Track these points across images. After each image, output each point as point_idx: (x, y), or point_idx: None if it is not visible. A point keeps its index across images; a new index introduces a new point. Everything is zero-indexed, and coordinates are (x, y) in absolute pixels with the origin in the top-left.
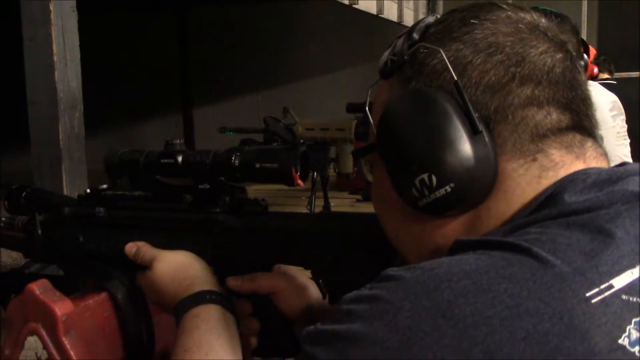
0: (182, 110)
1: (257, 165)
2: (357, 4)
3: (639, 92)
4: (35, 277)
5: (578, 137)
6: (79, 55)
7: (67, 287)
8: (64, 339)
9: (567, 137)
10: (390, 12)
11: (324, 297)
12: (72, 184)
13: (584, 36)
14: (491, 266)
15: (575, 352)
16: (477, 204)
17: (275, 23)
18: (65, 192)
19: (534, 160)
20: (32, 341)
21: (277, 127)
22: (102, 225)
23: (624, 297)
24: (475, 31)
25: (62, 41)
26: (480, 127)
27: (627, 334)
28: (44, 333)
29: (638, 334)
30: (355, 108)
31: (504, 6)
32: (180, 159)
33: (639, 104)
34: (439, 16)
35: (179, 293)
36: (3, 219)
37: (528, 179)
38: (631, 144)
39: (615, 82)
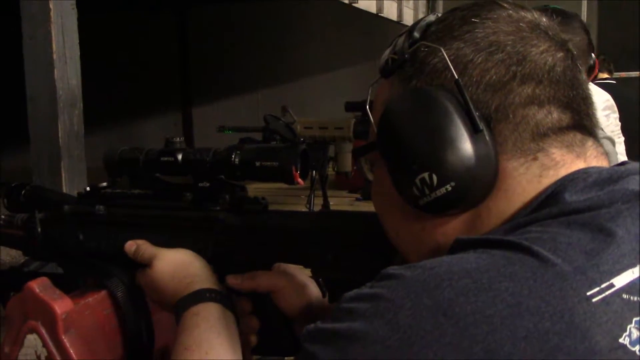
0: (181, 109)
1: (257, 164)
2: (357, 3)
3: (639, 91)
4: (34, 275)
5: (579, 136)
6: (79, 53)
7: (67, 285)
8: (63, 337)
9: (567, 136)
10: (390, 11)
11: (323, 296)
12: (72, 181)
13: None
14: (492, 265)
15: (576, 350)
16: (477, 202)
17: (275, 22)
18: (65, 190)
19: (535, 159)
20: (31, 339)
21: (277, 125)
22: (101, 223)
23: (624, 296)
24: (476, 30)
25: (62, 39)
26: (481, 126)
27: (627, 333)
28: (43, 331)
29: (638, 333)
30: (354, 107)
31: (505, 5)
32: (180, 157)
33: (638, 103)
34: (439, 15)
35: (179, 291)
36: (2, 216)
37: (529, 177)
38: (631, 144)
39: (614, 82)
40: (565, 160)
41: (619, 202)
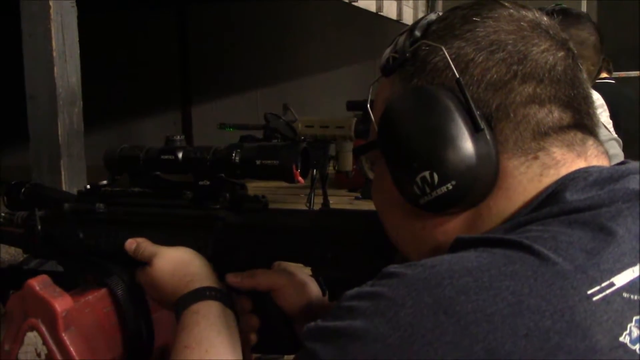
0: (181, 108)
1: (258, 162)
2: (357, 2)
3: (639, 91)
4: (33, 273)
5: (579, 135)
6: (79, 52)
7: (67, 283)
8: (63, 334)
9: (568, 135)
10: (390, 10)
11: (323, 294)
12: (71, 180)
13: None
14: (493, 263)
15: (577, 349)
16: (478, 201)
17: (275, 21)
18: (64, 188)
19: (536, 158)
20: (31, 337)
21: (278, 124)
22: (101, 221)
23: (625, 295)
24: (477, 29)
25: (62, 37)
26: (482, 124)
27: (628, 331)
28: (43, 329)
29: (639, 332)
30: (355, 106)
31: (506, 4)
32: (180, 155)
33: (638, 103)
34: (440, 14)
35: (179, 289)
36: (2, 214)
37: (529, 176)
38: (631, 143)
39: (613, 82)
40: (566, 160)
41: (619, 201)
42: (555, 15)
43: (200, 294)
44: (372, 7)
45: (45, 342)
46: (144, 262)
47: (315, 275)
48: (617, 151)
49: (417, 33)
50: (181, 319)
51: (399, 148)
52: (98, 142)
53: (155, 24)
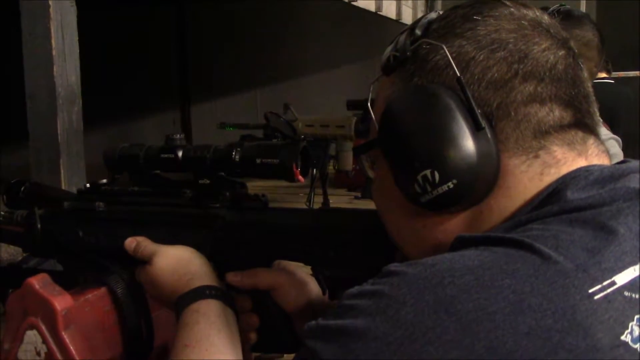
0: (180, 107)
1: (258, 161)
2: (356, 1)
3: (638, 91)
4: (33, 271)
5: (580, 134)
6: (78, 50)
7: (66, 282)
8: (63, 333)
9: (569, 134)
10: (389, 10)
11: (323, 293)
12: (71, 178)
13: None
14: (494, 262)
15: (578, 348)
16: (479, 200)
17: (274, 20)
18: (64, 186)
19: (536, 157)
20: (31, 335)
21: (278, 123)
22: (101, 219)
23: (626, 293)
24: (478, 27)
25: (61, 36)
26: (483, 123)
27: (629, 330)
28: (43, 327)
29: None
30: (355, 105)
31: (507, 3)
32: (180, 154)
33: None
34: (441, 12)
35: (179, 288)
36: (2, 213)
37: (530, 175)
38: (630, 142)
39: (612, 81)
40: (567, 158)
41: (620, 200)
42: (556, 15)
43: (200, 293)
44: (372, 7)
45: (45, 341)
46: (144, 261)
47: (315, 274)
48: (616, 150)
49: (418, 32)
50: (181, 318)
51: (399, 147)
52: (97, 141)
53: (154, 22)
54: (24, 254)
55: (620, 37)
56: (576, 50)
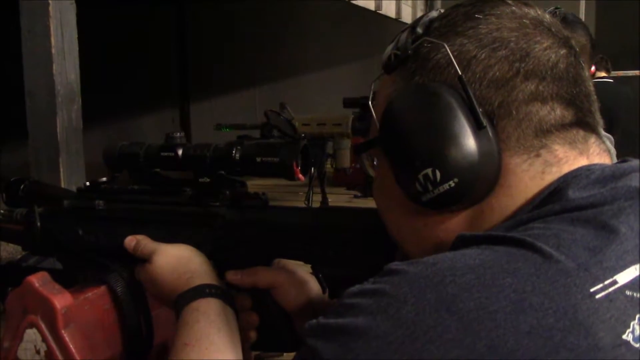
0: (179, 105)
1: (258, 159)
2: (356, 0)
3: (638, 90)
4: (32, 270)
5: (581, 133)
6: (77, 48)
7: (66, 280)
8: (63, 331)
9: (570, 133)
10: (388, 9)
11: (323, 292)
12: (70, 177)
13: None
14: (495, 261)
15: (580, 347)
16: (480, 199)
17: (273, 19)
18: (63, 185)
19: (538, 155)
20: (31, 334)
21: (278, 121)
22: (101, 218)
23: (627, 292)
24: (480, 26)
25: (61, 34)
26: (485, 122)
27: (631, 329)
28: (43, 326)
29: None
30: (352, 103)
31: (509, 1)
32: (180, 152)
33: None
34: (442, 11)
35: (179, 286)
36: (1, 211)
37: (531, 174)
38: (630, 141)
39: (611, 81)
40: (568, 157)
41: (621, 199)
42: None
43: (200, 291)
44: (371, 6)
45: (44, 339)
46: (144, 260)
47: (315, 272)
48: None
49: (419, 30)
50: (181, 316)
51: (400, 145)
52: (96, 140)
53: (154, 22)
54: (24, 253)
55: (619, 36)
56: (577, 49)
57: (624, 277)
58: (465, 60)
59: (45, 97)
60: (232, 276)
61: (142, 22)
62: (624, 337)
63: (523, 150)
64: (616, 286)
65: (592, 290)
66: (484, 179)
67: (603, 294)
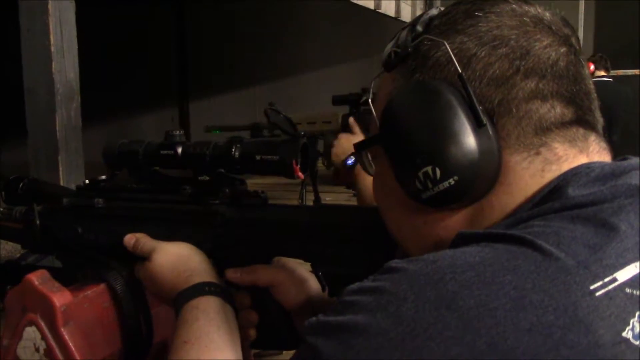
0: (178, 104)
1: (258, 157)
2: None
3: (638, 90)
4: (32, 268)
5: (581, 131)
6: (77, 47)
7: (65, 279)
8: (62, 329)
9: (570, 131)
10: (388, 8)
11: (323, 290)
12: (69, 175)
13: (580, 34)
14: (495, 258)
15: (580, 344)
16: (480, 197)
17: (273, 18)
18: (62, 183)
19: (538, 153)
20: (30, 332)
21: (278, 119)
22: (101, 216)
23: (627, 290)
24: (480, 24)
25: (60, 32)
26: (485, 120)
27: (630, 327)
28: (42, 324)
29: None
30: (341, 100)
31: None
32: (180, 150)
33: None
34: (442, 9)
35: (178, 284)
36: (1, 209)
37: (531, 172)
38: (629, 140)
39: (611, 80)
40: (568, 155)
41: (621, 197)
42: None
43: (199, 289)
44: (371, 5)
45: (44, 337)
46: (143, 258)
47: (315, 270)
48: None
49: (419, 28)
50: (180, 314)
51: (401, 143)
52: (95, 138)
53: (154, 21)
54: (23, 251)
55: (619, 36)
56: (578, 47)
57: (623, 275)
58: (465, 58)
59: (45, 95)
60: (232, 274)
61: (142, 21)
62: (624, 334)
63: (523, 148)
64: (616, 284)
65: (592, 287)
66: (484, 176)
67: (603, 291)
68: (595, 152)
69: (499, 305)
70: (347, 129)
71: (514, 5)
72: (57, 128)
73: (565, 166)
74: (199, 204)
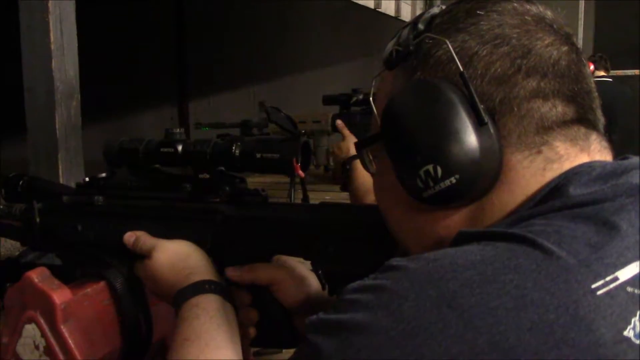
0: (177, 103)
1: (258, 155)
2: None
3: (638, 90)
4: (31, 266)
5: (583, 130)
6: (77, 44)
7: (65, 276)
8: (62, 327)
9: (572, 129)
10: (388, 7)
11: (323, 288)
12: (69, 173)
13: (580, 34)
14: (496, 257)
15: (581, 343)
16: (481, 195)
17: (273, 17)
18: (61, 181)
19: (539, 152)
20: (30, 329)
21: (278, 117)
22: (100, 214)
23: (628, 289)
24: (482, 22)
25: (60, 30)
26: (486, 118)
27: (632, 326)
28: (42, 321)
29: None
30: (331, 100)
31: None
32: (180, 148)
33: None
34: (443, 7)
35: (178, 282)
36: (0, 207)
37: (532, 171)
38: (628, 139)
39: (610, 80)
40: (570, 154)
41: (622, 196)
42: None
43: (199, 287)
44: (371, 4)
45: (43, 335)
46: (143, 255)
47: (315, 269)
48: None
49: (421, 26)
50: (180, 312)
51: (402, 141)
52: (95, 137)
53: (153, 18)
54: (22, 248)
55: (619, 36)
56: (579, 46)
57: (625, 274)
58: (466, 56)
59: (44, 93)
60: (232, 272)
61: (142, 19)
62: (625, 333)
63: (524, 146)
64: (617, 282)
65: (593, 286)
66: (485, 175)
67: (604, 290)
68: (596, 151)
69: (500, 304)
70: (336, 129)
71: (515, 4)
72: (57, 126)
73: (567, 165)
74: (199, 201)
